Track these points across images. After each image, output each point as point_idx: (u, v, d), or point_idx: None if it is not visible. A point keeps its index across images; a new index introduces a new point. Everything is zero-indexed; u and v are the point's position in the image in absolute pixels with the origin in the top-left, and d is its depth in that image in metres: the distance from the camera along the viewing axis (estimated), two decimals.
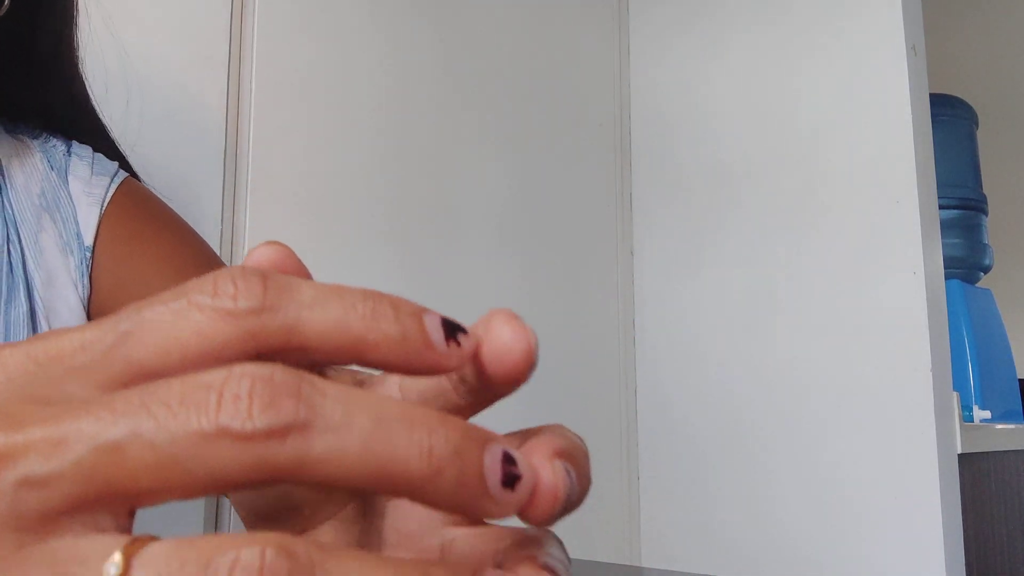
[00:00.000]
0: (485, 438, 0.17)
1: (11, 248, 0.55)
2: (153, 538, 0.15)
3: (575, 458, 0.19)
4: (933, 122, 1.15)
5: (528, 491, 0.17)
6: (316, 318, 0.18)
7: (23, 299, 0.55)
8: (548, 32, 1.32)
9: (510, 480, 0.17)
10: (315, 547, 0.15)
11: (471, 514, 0.17)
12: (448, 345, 0.18)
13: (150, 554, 0.15)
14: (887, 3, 1.14)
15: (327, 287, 0.18)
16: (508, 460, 0.17)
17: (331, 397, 0.16)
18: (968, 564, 1.08)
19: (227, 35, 0.94)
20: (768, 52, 1.27)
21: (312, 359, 0.18)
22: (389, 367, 0.18)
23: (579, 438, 0.20)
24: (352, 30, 1.06)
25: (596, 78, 1.39)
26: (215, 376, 0.16)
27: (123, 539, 0.15)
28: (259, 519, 0.27)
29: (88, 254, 0.56)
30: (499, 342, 0.18)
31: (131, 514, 0.16)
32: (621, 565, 1.16)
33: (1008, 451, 1.26)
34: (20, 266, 0.55)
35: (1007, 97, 2.18)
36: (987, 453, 1.20)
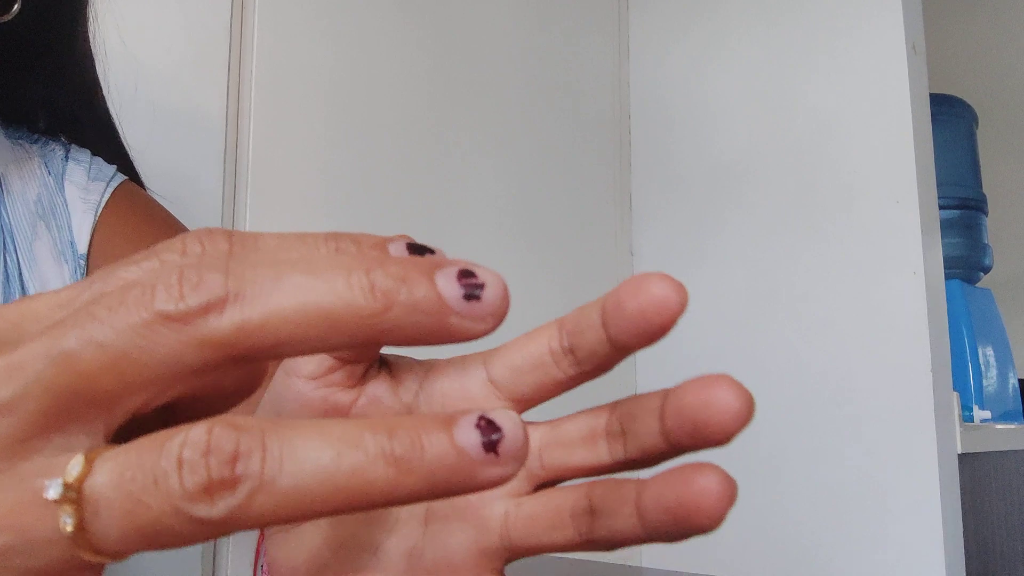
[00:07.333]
0: (432, 264, 0.17)
1: (7, 257, 0.53)
2: (117, 445, 0.16)
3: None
4: (933, 122, 1.15)
5: (499, 294, 0.17)
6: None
7: None
8: (548, 31, 1.32)
9: (474, 291, 0.17)
10: (264, 419, 0.15)
11: (439, 337, 0.17)
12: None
13: (111, 453, 0.15)
14: (887, 3, 1.14)
15: (287, 239, 0.18)
16: (466, 275, 0.17)
17: (258, 264, 0.16)
18: (968, 564, 1.08)
19: (227, 35, 0.94)
20: (767, 51, 1.27)
21: None
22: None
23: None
24: (351, 30, 1.06)
25: (596, 78, 1.39)
26: (148, 274, 0.17)
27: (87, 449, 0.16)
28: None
29: (82, 262, 0.55)
30: (648, 296, 0.19)
31: (107, 436, 0.17)
32: (621, 565, 1.15)
33: (1008, 451, 1.26)
34: (16, 276, 0.53)
35: (1007, 97, 2.18)
36: (987, 453, 1.19)
